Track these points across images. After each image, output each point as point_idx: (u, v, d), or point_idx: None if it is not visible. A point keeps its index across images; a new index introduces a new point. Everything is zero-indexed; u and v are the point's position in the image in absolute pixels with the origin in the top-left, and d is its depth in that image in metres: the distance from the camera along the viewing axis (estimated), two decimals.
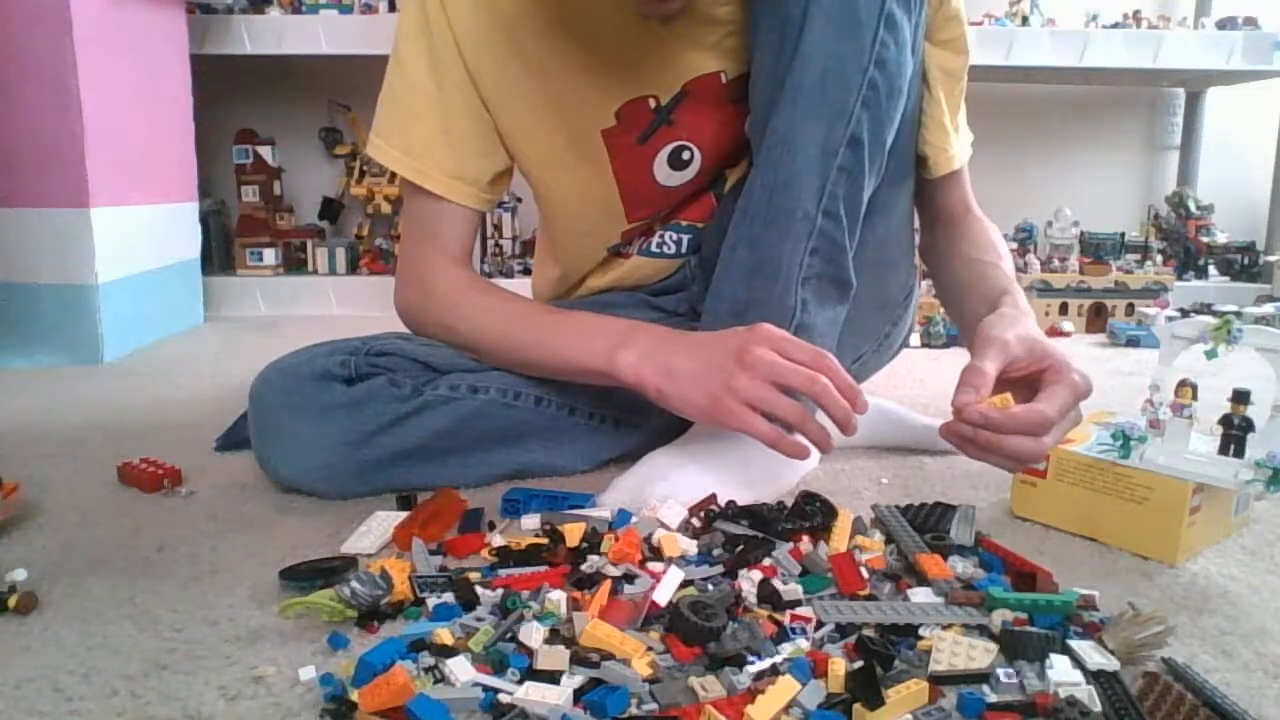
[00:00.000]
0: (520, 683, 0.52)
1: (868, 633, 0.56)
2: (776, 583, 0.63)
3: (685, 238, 0.99)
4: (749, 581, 0.63)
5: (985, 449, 0.68)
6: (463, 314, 0.91)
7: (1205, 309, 1.94)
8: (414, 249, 0.95)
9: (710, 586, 0.63)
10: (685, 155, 0.92)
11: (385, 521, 0.77)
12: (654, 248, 1.00)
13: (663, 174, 0.93)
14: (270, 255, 2.15)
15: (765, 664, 0.53)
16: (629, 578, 0.64)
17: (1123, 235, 2.22)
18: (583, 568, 0.66)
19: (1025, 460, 0.69)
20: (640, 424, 0.93)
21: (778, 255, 0.82)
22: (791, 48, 0.78)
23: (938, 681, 0.52)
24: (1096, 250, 2.11)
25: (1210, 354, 0.71)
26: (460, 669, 0.53)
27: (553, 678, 0.52)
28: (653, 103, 0.90)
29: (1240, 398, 0.70)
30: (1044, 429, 0.68)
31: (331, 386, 0.85)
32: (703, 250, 0.99)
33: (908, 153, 0.90)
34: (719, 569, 0.66)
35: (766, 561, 0.67)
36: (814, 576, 0.65)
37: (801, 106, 0.79)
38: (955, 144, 0.93)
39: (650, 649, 0.55)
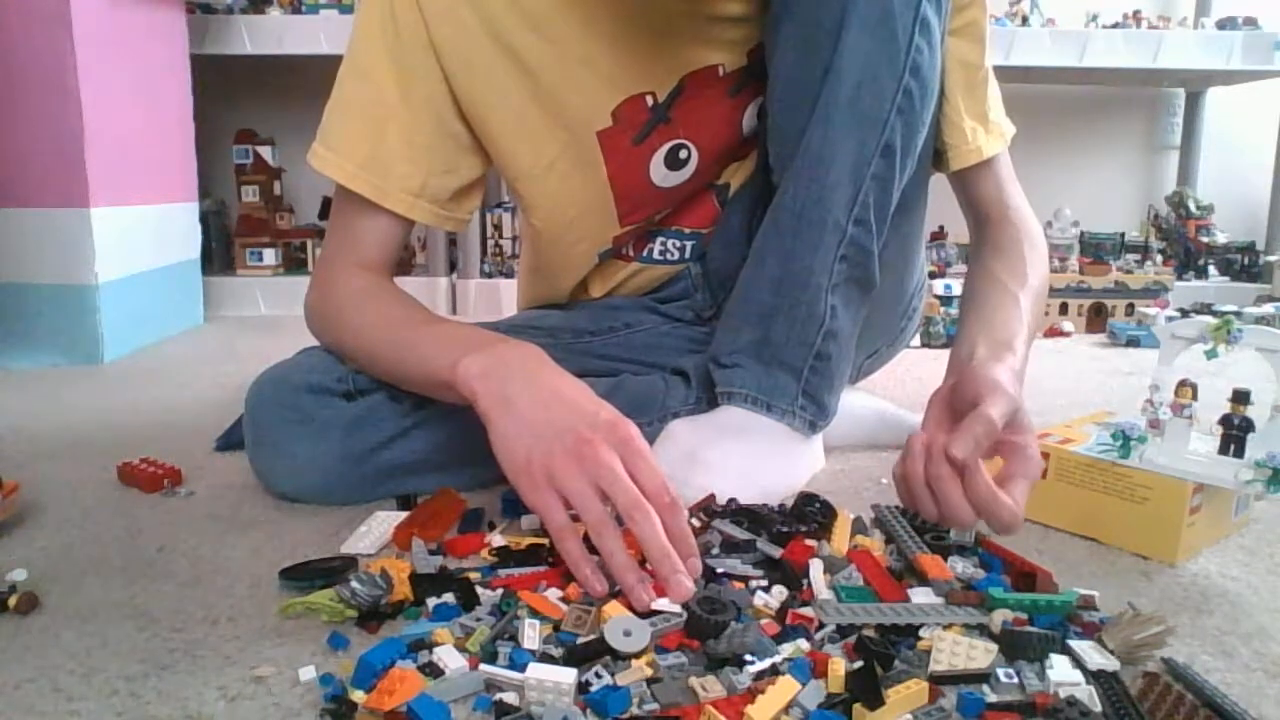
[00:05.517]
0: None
1: (868, 633, 0.56)
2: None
3: (688, 244, 0.98)
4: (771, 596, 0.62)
5: (951, 496, 0.64)
6: (347, 322, 0.85)
7: (1205, 309, 1.94)
8: (333, 254, 0.89)
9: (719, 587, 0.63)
10: (683, 154, 0.90)
11: (385, 521, 0.77)
12: (655, 254, 0.98)
13: (659, 175, 0.91)
14: (270, 255, 2.15)
15: (765, 664, 0.53)
16: None
17: (1123, 235, 2.22)
18: None
19: (962, 525, 0.65)
20: (641, 425, 0.91)
21: (808, 265, 0.80)
22: (825, 57, 0.76)
23: (938, 681, 0.52)
24: (1096, 250, 2.12)
25: (1210, 354, 0.71)
26: (450, 656, 0.53)
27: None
28: (650, 100, 0.87)
29: (1240, 398, 0.70)
30: (1009, 527, 0.63)
31: (330, 402, 0.83)
32: (707, 259, 0.97)
33: (927, 149, 0.88)
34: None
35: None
36: (854, 588, 0.63)
37: (836, 120, 0.77)
38: (979, 138, 0.89)
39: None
